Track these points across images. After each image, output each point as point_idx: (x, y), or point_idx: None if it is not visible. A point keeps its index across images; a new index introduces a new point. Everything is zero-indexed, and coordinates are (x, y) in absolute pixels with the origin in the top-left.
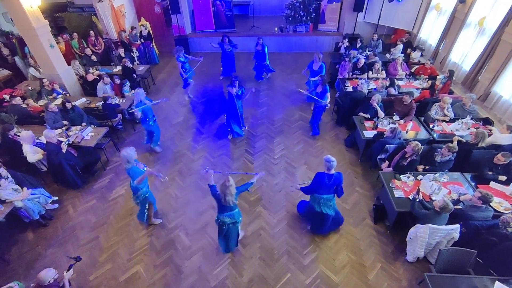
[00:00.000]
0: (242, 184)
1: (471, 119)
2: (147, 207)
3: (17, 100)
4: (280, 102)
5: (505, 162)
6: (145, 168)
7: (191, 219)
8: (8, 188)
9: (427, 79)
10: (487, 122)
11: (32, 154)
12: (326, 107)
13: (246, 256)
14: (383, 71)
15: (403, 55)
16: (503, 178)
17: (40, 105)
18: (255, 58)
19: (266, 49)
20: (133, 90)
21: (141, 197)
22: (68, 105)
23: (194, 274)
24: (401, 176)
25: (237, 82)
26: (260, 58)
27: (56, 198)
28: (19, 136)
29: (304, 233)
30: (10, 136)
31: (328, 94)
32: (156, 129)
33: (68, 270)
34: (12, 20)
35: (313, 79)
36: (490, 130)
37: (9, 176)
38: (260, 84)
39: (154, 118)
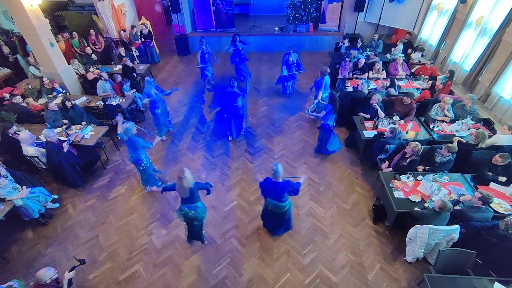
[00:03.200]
0: (205, 183)
1: (472, 119)
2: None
3: (17, 99)
4: (280, 101)
5: (504, 163)
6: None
7: None
8: (8, 186)
9: (427, 80)
10: (487, 122)
11: (41, 155)
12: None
13: (246, 256)
14: (384, 71)
15: (403, 55)
16: (503, 179)
17: (40, 104)
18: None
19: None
20: (133, 90)
21: (145, 165)
22: (68, 104)
23: (194, 274)
24: (401, 176)
25: (236, 83)
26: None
27: (55, 197)
28: (18, 134)
29: (304, 233)
30: (10, 135)
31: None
32: (161, 117)
33: (71, 271)
34: (12, 19)
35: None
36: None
37: (9, 174)
38: (260, 84)
39: (163, 107)
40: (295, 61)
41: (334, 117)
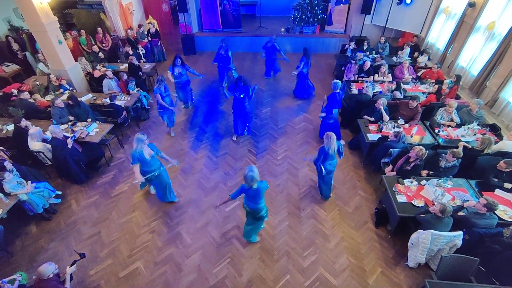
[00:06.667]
0: None
1: (478, 125)
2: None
3: (25, 95)
4: (284, 103)
5: (509, 170)
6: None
7: (192, 217)
8: (13, 181)
9: (433, 84)
10: (494, 128)
11: (47, 150)
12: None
13: (246, 256)
14: (389, 74)
15: (410, 58)
16: (508, 185)
17: (47, 100)
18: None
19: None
20: (137, 88)
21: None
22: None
23: (194, 273)
24: (404, 180)
25: (242, 83)
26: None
27: (59, 192)
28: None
29: (305, 235)
30: (23, 127)
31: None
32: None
33: (72, 265)
34: (22, 16)
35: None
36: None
37: (14, 169)
38: (265, 84)
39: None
40: (225, 54)
41: (308, 66)
